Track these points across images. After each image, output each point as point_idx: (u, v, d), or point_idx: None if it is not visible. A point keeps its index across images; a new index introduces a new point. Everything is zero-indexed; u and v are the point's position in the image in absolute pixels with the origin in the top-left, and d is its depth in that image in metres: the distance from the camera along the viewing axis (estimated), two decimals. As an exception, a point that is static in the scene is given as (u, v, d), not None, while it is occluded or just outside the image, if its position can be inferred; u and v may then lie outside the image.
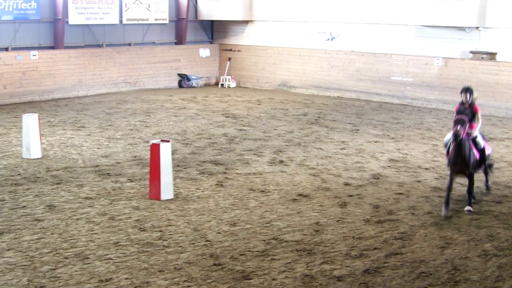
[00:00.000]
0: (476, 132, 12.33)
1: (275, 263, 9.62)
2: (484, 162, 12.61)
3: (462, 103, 12.46)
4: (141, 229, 10.94)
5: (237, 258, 9.77)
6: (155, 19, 29.93)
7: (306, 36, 29.24)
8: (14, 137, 18.20)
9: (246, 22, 31.00)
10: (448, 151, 12.48)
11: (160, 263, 9.54)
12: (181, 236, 10.65)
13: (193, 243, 10.34)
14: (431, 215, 11.89)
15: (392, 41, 26.79)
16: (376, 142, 18.37)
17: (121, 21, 28.69)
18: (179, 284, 8.86)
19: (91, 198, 12.70)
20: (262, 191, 13.36)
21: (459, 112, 12.24)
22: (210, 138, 18.50)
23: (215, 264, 9.51)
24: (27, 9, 25.67)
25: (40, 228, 10.92)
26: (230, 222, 11.38)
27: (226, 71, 31.51)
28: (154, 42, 30.40)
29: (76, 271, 9.21)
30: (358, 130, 20.15)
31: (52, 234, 10.67)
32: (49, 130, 19.16)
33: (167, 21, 30.30)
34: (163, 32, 30.68)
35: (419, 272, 9.35)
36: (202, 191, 13.25)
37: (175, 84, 30.65)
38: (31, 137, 15.86)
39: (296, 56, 29.67)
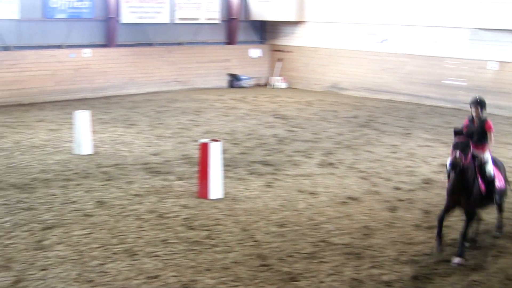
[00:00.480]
0: (487, 156, 10.06)
1: (323, 265, 9.53)
2: (491, 199, 10.15)
3: (471, 119, 10.21)
4: (189, 228, 10.96)
5: (284, 259, 9.71)
6: (206, 19, 30.06)
7: (357, 38, 28.98)
8: (65, 133, 18.47)
9: (297, 23, 30.86)
10: (449, 177, 10.13)
11: (208, 262, 9.54)
12: (229, 236, 10.63)
13: (241, 243, 10.32)
14: (483, 222, 11.60)
15: (445, 44, 26.31)
16: (427, 146, 18.07)
17: (172, 20, 28.91)
18: (226, 283, 8.85)
19: (140, 195, 12.80)
20: (311, 193, 13.26)
21: (466, 131, 9.98)
22: (260, 139, 18.46)
23: (262, 265, 9.47)
24: (80, 7, 26.09)
25: (90, 224, 11.05)
26: (278, 223, 11.32)
27: (277, 71, 31.41)
28: (204, 42, 30.53)
29: (124, 267, 9.28)
30: (409, 134, 19.85)
31: (102, 229, 10.78)
32: (100, 127, 19.38)
33: (218, 21, 30.39)
34: (214, 32, 30.75)
35: (470, 280, 9.14)
36: (251, 191, 13.22)
37: (225, 84, 30.72)
38: (82, 134, 16.09)
39: (346, 58, 29.41)
